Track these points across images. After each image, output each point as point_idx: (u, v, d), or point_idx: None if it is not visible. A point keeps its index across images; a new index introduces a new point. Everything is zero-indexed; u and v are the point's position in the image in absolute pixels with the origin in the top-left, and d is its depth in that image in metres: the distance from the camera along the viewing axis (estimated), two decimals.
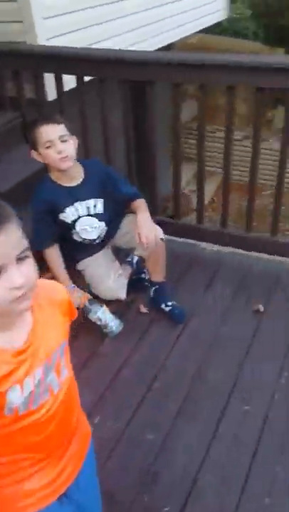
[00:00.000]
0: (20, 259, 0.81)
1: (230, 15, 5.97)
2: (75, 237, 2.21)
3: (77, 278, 2.29)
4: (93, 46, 3.10)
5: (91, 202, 2.16)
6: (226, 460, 1.69)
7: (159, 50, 4.19)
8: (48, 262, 2.18)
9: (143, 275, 2.48)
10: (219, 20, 5.47)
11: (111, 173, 2.24)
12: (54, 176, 2.13)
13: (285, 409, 1.85)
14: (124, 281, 2.30)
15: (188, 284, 2.51)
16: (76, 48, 2.65)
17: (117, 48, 3.11)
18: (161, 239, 2.23)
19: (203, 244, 2.77)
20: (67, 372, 0.99)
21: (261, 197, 5.99)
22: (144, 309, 2.37)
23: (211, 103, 5.94)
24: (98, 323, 2.21)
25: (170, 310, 2.31)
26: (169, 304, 2.32)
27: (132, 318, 2.33)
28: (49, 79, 2.68)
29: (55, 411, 0.94)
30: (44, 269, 2.29)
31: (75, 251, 2.27)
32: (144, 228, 2.11)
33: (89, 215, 2.17)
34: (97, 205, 2.18)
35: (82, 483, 1.05)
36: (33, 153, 2.05)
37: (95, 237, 2.23)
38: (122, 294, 2.27)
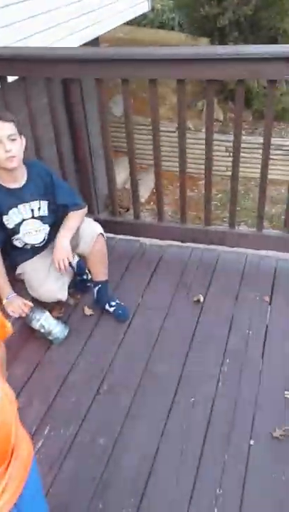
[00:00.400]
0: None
1: (153, 6, 5.98)
2: (17, 243, 2.14)
3: (16, 283, 2.23)
4: (17, 44, 3.01)
5: (35, 204, 2.11)
6: (176, 455, 1.71)
7: (86, 44, 4.14)
8: None
9: (85, 276, 2.44)
10: (142, 12, 5.47)
11: (53, 177, 2.18)
12: None
13: (229, 397, 1.89)
14: (64, 282, 2.25)
15: (130, 281, 2.50)
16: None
17: (41, 45, 3.04)
18: (101, 234, 2.21)
19: (142, 239, 2.78)
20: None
21: (198, 186, 6.11)
22: (88, 311, 2.34)
23: (142, 95, 5.96)
24: (42, 330, 2.15)
25: (114, 310, 2.30)
26: (113, 303, 2.31)
27: (76, 321, 2.29)
28: None
29: None
30: None
31: (14, 255, 2.20)
32: (56, 251, 2.08)
33: (33, 217, 2.12)
34: (42, 207, 2.13)
35: (25, 505, 1.02)
36: None
37: (39, 240, 2.17)
38: (63, 295, 2.20)
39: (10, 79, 2.54)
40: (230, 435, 1.75)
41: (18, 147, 1.96)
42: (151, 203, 5.91)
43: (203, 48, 4.67)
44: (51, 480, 1.65)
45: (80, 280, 2.44)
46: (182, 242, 2.68)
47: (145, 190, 6.02)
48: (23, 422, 1.90)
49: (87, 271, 2.42)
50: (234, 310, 2.27)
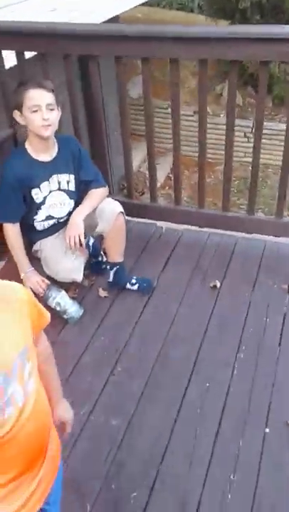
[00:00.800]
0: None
1: None
2: (40, 216, 2.13)
3: (32, 261, 2.21)
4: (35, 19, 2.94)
5: (64, 177, 2.12)
6: (191, 440, 1.69)
7: (106, 23, 4.06)
8: (8, 240, 2.13)
9: (100, 258, 2.42)
10: None
11: (82, 152, 2.19)
12: (30, 146, 2.07)
13: (245, 383, 1.86)
14: (80, 263, 2.23)
15: (145, 265, 2.47)
16: (16, 21, 2.49)
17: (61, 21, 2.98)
18: (121, 212, 2.20)
19: (159, 223, 2.74)
20: (33, 381, 0.88)
21: (215, 172, 6.03)
22: (103, 293, 2.33)
23: (161, 78, 5.87)
24: (57, 308, 2.15)
25: (138, 286, 2.30)
26: (133, 281, 2.31)
27: (91, 302, 2.28)
28: None
29: (22, 426, 0.84)
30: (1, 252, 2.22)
31: (33, 232, 2.20)
32: (69, 227, 2.07)
33: (59, 189, 2.12)
34: (70, 181, 2.15)
35: (52, 498, 0.99)
36: (16, 114, 2.01)
37: (63, 214, 2.17)
38: (79, 276, 2.17)
39: (28, 55, 2.50)
40: (246, 422, 1.73)
41: (54, 117, 1.99)
42: (167, 187, 5.85)
43: (230, 26, 4.55)
44: (64, 459, 1.65)
45: (95, 262, 2.42)
46: (199, 226, 2.65)
47: (160, 175, 5.96)
48: None
49: (102, 253, 2.41)
50: (251, 297, 2.24)
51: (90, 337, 2.11)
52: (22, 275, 2.15)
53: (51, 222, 2.17)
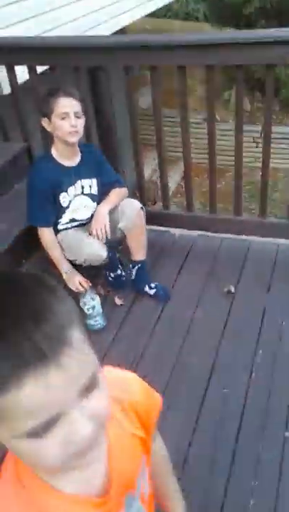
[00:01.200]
0: (87, 389, 0.52)
1: None
2: (64, 219, 2.21)
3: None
4: (47, 34, 3.02)
5: (87, 181, 2.22)
6: (211, 446, 1.69)
7: (113, 34, 4.12)
8: (45, 242, 2.20)
9: (119, 271, 2.42)
10: (168, 2, 5.41)
11: (102, 158, 2.33)
12: (56, 151, 2.16)
13: (263, 387, 1.85)
14: (104, 244, 2.23)
15: (160, 272, 2.48)
16: (27, 37, 2.56)
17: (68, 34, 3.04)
18: (142, 208, 2.28)
19: (172, 230, 2.75)
20: (148, 487, 0.75)
21: (226, 178, 6.03)
22: (119, 301, 2.34)
23: (169, 87, 5.92)
24: (89, 312, 2.16)
25: (155, 292, 2.32)
26: (153, 285, 2.33)
27: (107, 310, 2.29)
28: (2, 71, 2.59)
29: None
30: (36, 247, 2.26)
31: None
32: (95, 219, 2.17)
33: (83, 193, 2.21)
34: (93, 185, 2.23)
35: None
36: (44, 121, 2.11)
37: (86, 217, 2.25)
38: (104, 253, 2.16)
39: (39, 69, 2.55)
40: (265, 427, 1.72)
41: (81, 124, 2.09)
42: (178, 195, 5.87)
43: (233, 31, 4.59)
44: None
45: (113, 278, 2.40)
46: (212, 232, 2.65)
47: (171, 183, 5.98)
48: None
49: (119, 266, 2.42)
50: (266, 301, 2.23)
51: (108, 345, 2.12)
52: (64, 275, 2.20)
53: (74, 224, 2.25)
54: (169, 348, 2.07)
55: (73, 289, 2.16)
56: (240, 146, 2.40)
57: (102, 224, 2.15)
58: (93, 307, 2.15)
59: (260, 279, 2.35)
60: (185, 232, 2.72)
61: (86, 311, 2.15)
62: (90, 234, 2.18)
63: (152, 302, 2.31)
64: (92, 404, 0.52)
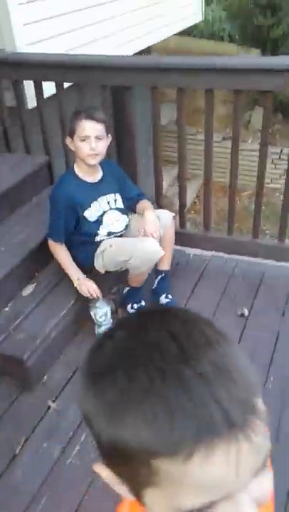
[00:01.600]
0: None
1: (205, 17, 5.99)
2: (102, 233, 2.22)
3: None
4: (73, 52, 3.07)
5: (112, 196, 2.26)
6: None
7: (139, 53, 4.18)
8: (58, 256, 2.23)
9: (143, 302, 2.41)
10: (195, 22, 5.49)
11: (124, 174, 2.39)
12: (78, 168, 2.21)
13: (273, 414, 1.84)
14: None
15: (172, 292, 2.48)
16: (56, 54, 2.61)
17: (97, 53, 3.10)
18: (173, 217, 2.36)
19: (187, 250, 2.76)
20: None
21: (240, 197, 6.04)
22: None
23: (190, 106, 5.97)
24: (100, 319, 2.18)
25: (167, 303, 2.35)
26: (170, 296, 2.38)
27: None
28: (29, 86, 2.64)
29: None
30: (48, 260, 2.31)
31: (88, 247, 2.24)
32: (147, 224, 2.18)
33: (111, 208, 2.25)
34: (117, 199, 2.27)
35: None
36: (68, 140, 2.17)
37: (121, 229, 2.28)
38: (162, 250, 2.18)
39: (66, 84, 2.60)
40: (274, 454, 1.69)
41: (102, 146, 2.12)
42: (192, 211, 5.88)
43: (264, 58, 4.63)
44: (86, 486, 1.65)
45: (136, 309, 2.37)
46: (228, 253, 2.65)
47: (187, 200, 6.01)
48: (60, 427, 1.90)
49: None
50: (280, 326, 2.22)
51: None
52: (75, 282, 2.20)
53: (112, 236, 2.27)
54: None
55: (86, 295, 2.18)
56: (263, 169, 2.41)
57: (155, 229, 2.17)
58: (106, 314, 2.18)
59: (274, 303, 2.34)
60: (200, 251, 2.72)
61: (98, 318, 2.18)
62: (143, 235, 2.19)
63: None
64: (260, 486, 0.43)
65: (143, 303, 2.37)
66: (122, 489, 0.47)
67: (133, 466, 0.42)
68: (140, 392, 0.41)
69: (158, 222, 2.22)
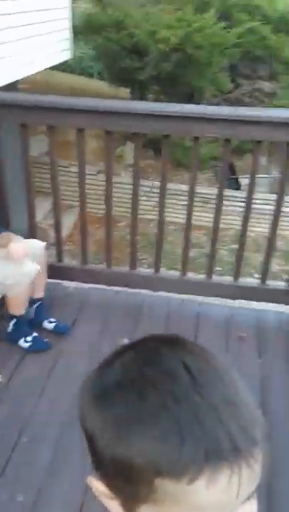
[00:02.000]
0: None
1: (75, 54, 6.16)
2: None
3: None
4: None
5: None
6: None
7: (7, 86, 4.12)
8: None
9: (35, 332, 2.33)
10: (65, 59, 5.61)
11: None
12: None
13: None
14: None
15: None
16: None
17: None
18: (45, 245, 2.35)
19: (65, 283, 2.72)
20: None
21: (117, 228, 6.19)
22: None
23: (62, 139, 6.01)
24: None
25: (55, 326, 2.35)
26: (52, 320, 2.36)
27: None
28: None
29: None
30: None
31: None
32: (11, 247, 2.12)
33: None
34: None
35: None
36: None
37: None
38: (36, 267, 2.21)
39: None
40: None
41: None
42: (69, 242, 5.85)
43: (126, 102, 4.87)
44: None
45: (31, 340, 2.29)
46: (107, 285, 2.67)
47: (63, 231, 5.97)
48: None
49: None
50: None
51: None
52: None
53: None
54: (60, 407, 1.99)
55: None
56: (136, 201, 2.51)
57: (19, 247, 2.13)
58: None
59: (155, 332, 2.39)
60: (79, 284, 2.70)
61: None
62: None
63: (39, 359, 2.21)
64: (251, 507, 0.46)
65: (35, 333, 2.28)
66: (112, 503, 0.47)
67: (134, 482, 0.42)
68: (151, 410, 0.42)
69: (25, 245, 2.18)
